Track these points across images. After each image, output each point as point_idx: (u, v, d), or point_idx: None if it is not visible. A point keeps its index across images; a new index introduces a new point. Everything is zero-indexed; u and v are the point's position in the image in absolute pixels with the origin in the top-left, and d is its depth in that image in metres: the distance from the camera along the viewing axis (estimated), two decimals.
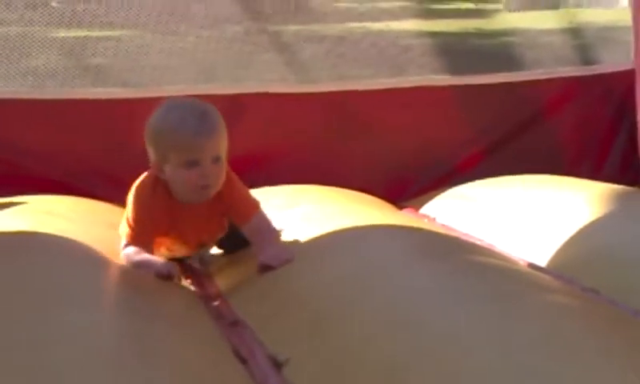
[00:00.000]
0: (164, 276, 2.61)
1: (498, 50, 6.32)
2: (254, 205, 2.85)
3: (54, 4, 6.36)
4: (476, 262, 2.53)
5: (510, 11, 7.21)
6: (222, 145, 2.68)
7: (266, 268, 2.65)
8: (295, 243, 2.87)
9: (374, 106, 4.17)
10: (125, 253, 2.73)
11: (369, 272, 2.39)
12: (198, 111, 2.68)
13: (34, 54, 5.41)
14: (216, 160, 2.66)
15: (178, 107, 2.72)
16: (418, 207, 3.99)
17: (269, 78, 4.26)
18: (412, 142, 4.20)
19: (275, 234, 2.85)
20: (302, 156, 4.02)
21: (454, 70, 4.67)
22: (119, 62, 4.33)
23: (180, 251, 2.94)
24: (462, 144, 4.27)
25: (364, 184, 4.01)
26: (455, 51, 6.58)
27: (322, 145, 4.11)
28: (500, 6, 7.30)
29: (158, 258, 2.76)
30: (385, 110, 4.17)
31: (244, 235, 2.87)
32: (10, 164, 3.77)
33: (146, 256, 2.70)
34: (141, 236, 2.73)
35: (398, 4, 6.59)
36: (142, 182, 2.79)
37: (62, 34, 5.93)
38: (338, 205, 3.61)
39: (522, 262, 2.92)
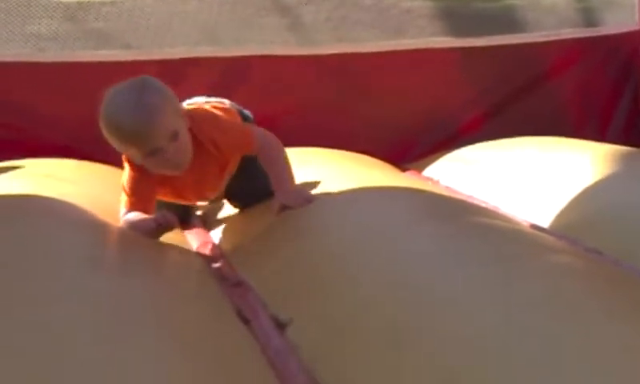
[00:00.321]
0: (161, 224, 2.59)
1: (502, 13, 6.26)
2: (251, 135, 2.81)
3: None
4: (479, 223, 2.52)
5: None
6: (169, 122, 2.60)
7: (284, 208, 2.64)
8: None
9: (375, 69, 4.16)
10: (124, 218, 2.71)
11: (371, 234, 2.38)
12: (131, 102, 2.58)
13: (36, 19, 5.38)
14: (173, 137, 2.59)
15: (111, 103, 2.63)
16: (421, 170, 3.98)
17: (270, 40, 4.24)
18: (415, 105, 4.18)
19: (287, 164, 2.82)
20: (304, 118, 4.01)
21: (457, 33, 4.65)
22: (121, 25, 4.31)
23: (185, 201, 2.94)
24: (465, 106, 4.26)
25: (367, 146, 4.00)
26: (458, 14, 6.53)
27: (325, 107, 4.10)
28: None
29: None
30: (387, 73, 4.16)
31: (256, 187, 2.88)
32: (13, 128, 3.77)
33: (143, 216, 2.67)
34: (138, 203, 2.70)
35: None
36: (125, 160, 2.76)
37: None
38: (341, 167, 3.61)
39: (525, 224, 2.91)
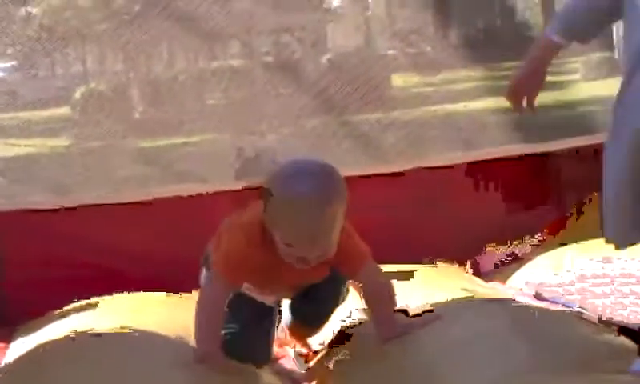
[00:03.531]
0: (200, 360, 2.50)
1: (574, 120, 6.28)
2: (365, 253, 2.66)
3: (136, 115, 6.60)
4: (560, 333, 2.51)
5: (587, 80, 7.15)
6: (333, 236, 2.49)
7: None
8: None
9: (448, 180, 4.18)
10: (208, 297, 2.60)
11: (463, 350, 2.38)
12: (316, 212, 2.45)
13: (116, 163, 5.59)
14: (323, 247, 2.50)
15: (303, 195, 2.47)
16: (504, 280, 3.95)
17: (344, 162, 4.30)
18: (491, 214, 4.18)
19: (391, 291, 2.68)
20: (386, 237, 4.01)
21: (532, 142, 4.67)
22: (201, 165, 4.47)
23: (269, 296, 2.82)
24: (543, 212, 4.23)
25: (449, 259, 4.00)
26: (532, 124, 6.56)
27: (400, 223, 4.12)
28: (577, 76, 7.26)
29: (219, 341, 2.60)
30: (460, 184, 4.18)
31: (322, 312, 2.82)
32: (96, 267, 3.88)
33: (215, 328, 2.58)
34: (234, 272, 2.59)
35: (473, 84, 6.62)
36: (250, 223, 2.59)
37: (145, 143, 6.14)
38: (428, 281, 3.62)
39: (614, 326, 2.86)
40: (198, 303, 2.61)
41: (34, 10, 5.97)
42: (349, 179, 4.03)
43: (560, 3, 7.72)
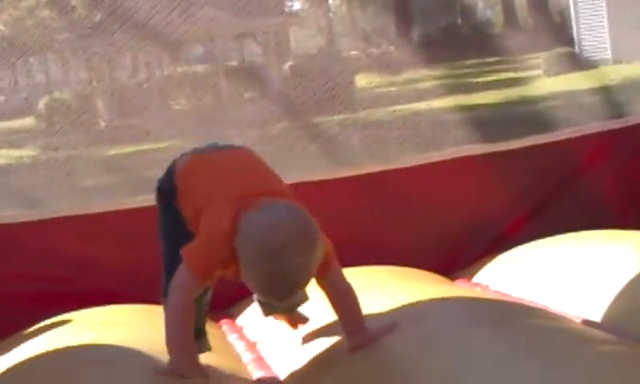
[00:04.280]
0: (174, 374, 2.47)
1: (536, 115, 6.39)
2: (331, 255, 2.63)
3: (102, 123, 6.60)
4: (527, 324, 2.58)
5: (549, 76, 7.26)
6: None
7: (357, 349, 2.56)
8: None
9: (413, 182, 4.23)
10: (177, 300, 2.52)
11: (427, 347, 2.44)
12: (300, 250, 2.40)
13: (83, 173, 5.60)
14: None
15: (279, 249, 2.39)
16: (470, 277, 4.01)
17: (309, 167, 4.36)
18: (456, 214, 4.24)
19: (354, 294, 2.67)
20: (348, 239, 4.05)
21: (493, 140, 4.75)
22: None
23: None
24: (506, 210, 4.30)
25: (413, 260, 4.04)
26: (495, 121, 6.67)
27: (367, 226, 4.16)
28: (540, 72, 7.38)
29: (192, 350, 2.56)
30: (425, 185, 4.23)
31: None
32: (64, 280, 3.88)
33: (187, 336, 2.53)
34: (204, 269, 2.52)
35: (438, 82, 6.71)
36: (222, 231, 2.48)
37: (112, 151, 6.15)
38: (392, 283, 3.66)
39: (575, 319, 2.93)
40: (168, 305, 2.58)
41: None
42: (314, 183, 4.12)
43: (519, 1, 7.83)
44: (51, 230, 3.92)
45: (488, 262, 4.07)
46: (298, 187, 3.87)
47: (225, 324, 3.69)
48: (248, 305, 3.72)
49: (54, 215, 3.95)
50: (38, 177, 5.17)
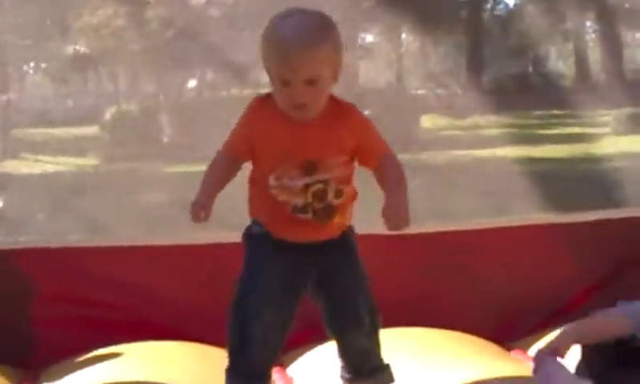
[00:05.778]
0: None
1: (602, 174, 6.27)
2: (384, 144, 2.65)
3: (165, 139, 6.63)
4: None
5: (617, 135, 7.12)
6: (317, 65, 2.48)
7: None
8: None
9: (476, 245, 4.17)
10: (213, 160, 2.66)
11: None
12: (298, 24, 2.51)
13: (144, 188, 5.63)
14: (309, 82, 2.48)
15: (285, 18, 2.53)
16: (526, 348, 3.94)
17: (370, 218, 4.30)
18: (518, 282, 4.17)
19: (404, 188, 2.61)
20: (406, 297, 4.01)
21: (559, 203, 4.66)
22: (227, 203, 4.46)
23: (286, 179, 2.64)
24: (570, 282, 4.23)
25: (470, 325, 3.99)
26: (560, 176, 6.57)
27: (424, 285, 4.11)
28: (608, 130, 7.24)
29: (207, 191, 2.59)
30: (489, 250, 4.17)
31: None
32: (122, 308, 3.88)
33: (207, 181, 2.62)
34: (235, 142, 2.64)
35: (502, 130, 6.63)
36: (259, 95, 2.66)
37: (172, 169, 6.17)
38: (447, 349, 3.62)
39: None
40: None
41: (73, 26, 6.03)
42: (373, 237, 4.07)
43: (593, 55, 7.72)
44: (112, 257, 3.93)
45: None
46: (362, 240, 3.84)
47: (276, 372, 3.67)
48: (301, 354, 3.70)
49: (119, 243, 3.96)
50: (102, 194, 5.19)
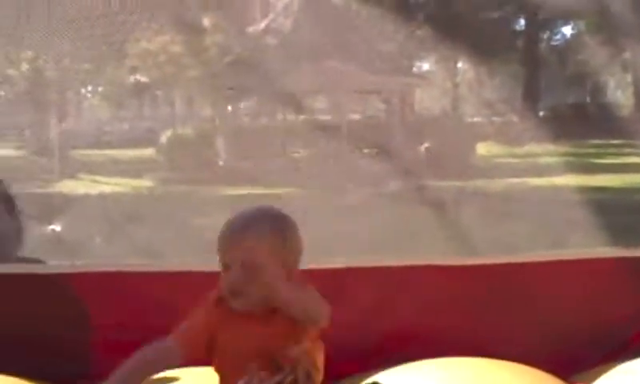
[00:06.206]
0: None
1: None
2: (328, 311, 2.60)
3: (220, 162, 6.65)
4: None
5: None
6: (256, 253, 2.52)
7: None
8: None
9: (536, 277, 4.08)
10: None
11: None
12: (247, 215, 2.59)
13: (198, 211, 5.65)
14: (250, 268, 2.51)
15: (242, 212, 2.63)
16: (588, 382, 3.86)
17: (430, 250, 4.27)
18: (580, 315, 4.08)
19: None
20: (466, 329, 3.95)
21: (619, 234, 4.57)
22: None
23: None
24: (633, 317, 4.13)
25: (529, 358, 3.90)
26: (618, 206, 6.46)
27: (485, 316, 4.04)
28: None
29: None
30: (548, 282, 4.08)
31: None
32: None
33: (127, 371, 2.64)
34: (181, 333, 2.73)
35: (561, 159, 6.57)
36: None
37: (227, 192, 6.18)
38: (503, 380, 3.54)
39: None
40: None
41: (130, 52, 6.12)
42: (433, 267, 4.02)
43: None
44: (168, 282, 3.91)
45: (609, 369, 3.91)
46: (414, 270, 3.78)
47: None
48: None
49: (172, 269, 3.94)
50: (157, 218, 5.22)
